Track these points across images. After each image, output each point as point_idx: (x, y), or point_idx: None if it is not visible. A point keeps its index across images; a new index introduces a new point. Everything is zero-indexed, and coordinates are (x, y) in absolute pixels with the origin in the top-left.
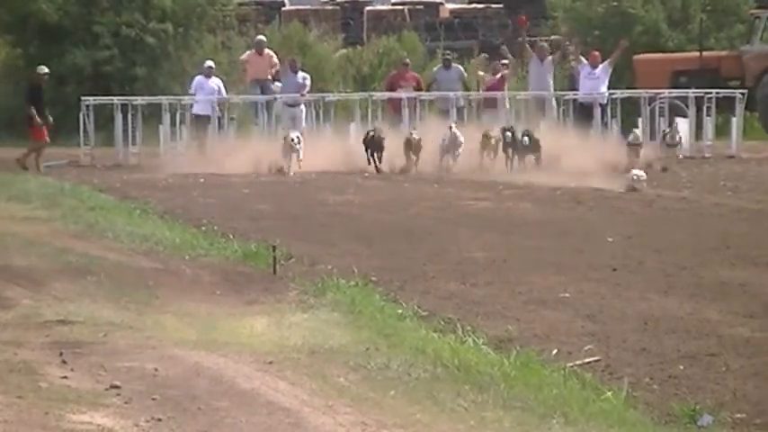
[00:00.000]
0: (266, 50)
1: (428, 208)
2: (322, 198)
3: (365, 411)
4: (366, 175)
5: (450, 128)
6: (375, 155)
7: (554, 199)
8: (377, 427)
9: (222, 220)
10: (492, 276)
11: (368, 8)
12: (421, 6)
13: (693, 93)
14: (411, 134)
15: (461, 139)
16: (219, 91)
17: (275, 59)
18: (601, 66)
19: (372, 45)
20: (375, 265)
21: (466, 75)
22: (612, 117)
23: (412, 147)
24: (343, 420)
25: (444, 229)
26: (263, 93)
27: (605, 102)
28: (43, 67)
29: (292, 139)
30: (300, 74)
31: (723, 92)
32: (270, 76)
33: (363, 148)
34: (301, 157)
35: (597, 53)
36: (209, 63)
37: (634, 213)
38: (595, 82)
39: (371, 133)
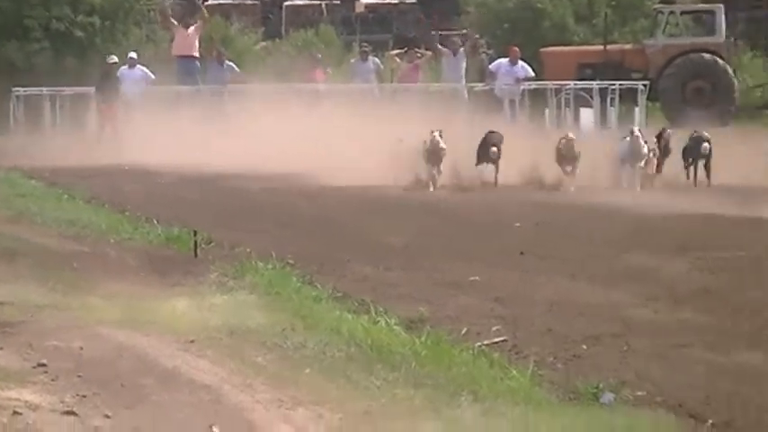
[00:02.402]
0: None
1: (348, 196)
2: (244, 186)
3: (282, 389)
4: None
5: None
6: None
7: (467, 186)
8: (293, 403)
9: (146, 205)
10: (406, 261)
11: (286, 3)
12: (337, 1)
13: (598, 84)
14: None
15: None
16: (146, 76)
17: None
18: (522, 63)
19: (291, 38)
20: (293, 250)
21: (382, 67)
22: (521, 108)
23: None
24: (261, 398)
25: (361, 216)
26: (188, 72)
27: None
28: None
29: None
30: (227, 63)
31: (626, 83)
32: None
33: None
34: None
35: (516, 48)
36: (132, 54)
37: (542, 200)
38: (513, 77)
39: None
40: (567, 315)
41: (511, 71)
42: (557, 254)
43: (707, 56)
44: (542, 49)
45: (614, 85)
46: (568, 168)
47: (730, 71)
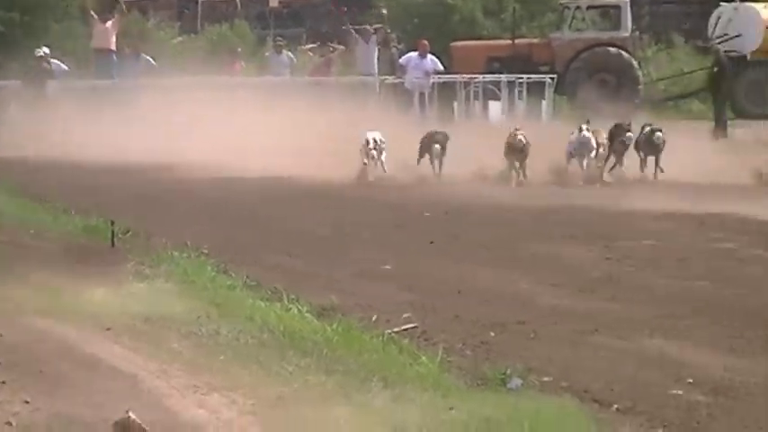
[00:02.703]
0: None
1: (264, 186)
2: (161, 177)
3: (197, 375)
4: None
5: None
6: None
7: (380, 176)
8: (207, 389)
9: (64, 196)
10: (318, 249)
11: None
12: None
13: (506, 77)
14: None
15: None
16: (59, 68)
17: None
18: (430, 56)
19: (207, 33)
20: (208, 239)
21: (295, 60)
22: (430, 101)
23: None
24: (176, 383)
25: (277, 205)
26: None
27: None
28: None
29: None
30: (144, 56)
31: (534, 77)
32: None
33: None
34: None
35: (426, 42)
36: (45, 50)
37: (451, 189)
38: (422, 70)
39: None
40: (475, 302)
41: (420, 65)
42: (466, 243)
43: (612, 50)
44: (452, 43)
45: (522, 78)
46: (517, 163)
47: (635, 64)
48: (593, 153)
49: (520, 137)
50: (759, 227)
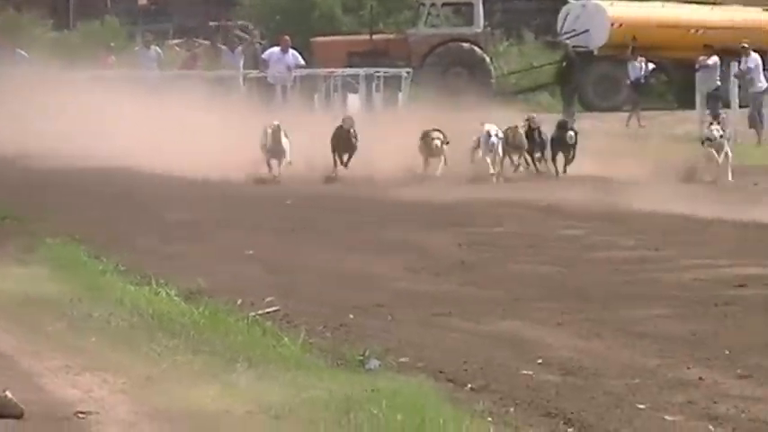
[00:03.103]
0: None
1: (140, 176)
2: (41, 166)
3: (70, 356)
4: None
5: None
6: None
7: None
8: (80, 369)
9: None
10: (186, 235)
11: None
12: None
13: (364, 71)
14: None
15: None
16: None
17: None
18: (291, 51)
19: (79, 29)
20: (83, 227)
21: (162, 55)
22: (292, 93)
23: None
24: (50, 364)
25: (148, 194)
26: None
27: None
28: None
29: None
30: (18, 51)
31: (391, 71)
32: None
33: None
34: None
35: (287, 38)
36: None
37: (309, 180)
38: (284, 65)
39: None
40: (335, 285)
41: (282, 59)
42: (326, 229)
43: (466, 45)
44: (313, 39)
45: (379, 72)
46: (434, 160)
47: (487, 59)
48: (498, 149)
49: (436, 141)
50: (603, 214)
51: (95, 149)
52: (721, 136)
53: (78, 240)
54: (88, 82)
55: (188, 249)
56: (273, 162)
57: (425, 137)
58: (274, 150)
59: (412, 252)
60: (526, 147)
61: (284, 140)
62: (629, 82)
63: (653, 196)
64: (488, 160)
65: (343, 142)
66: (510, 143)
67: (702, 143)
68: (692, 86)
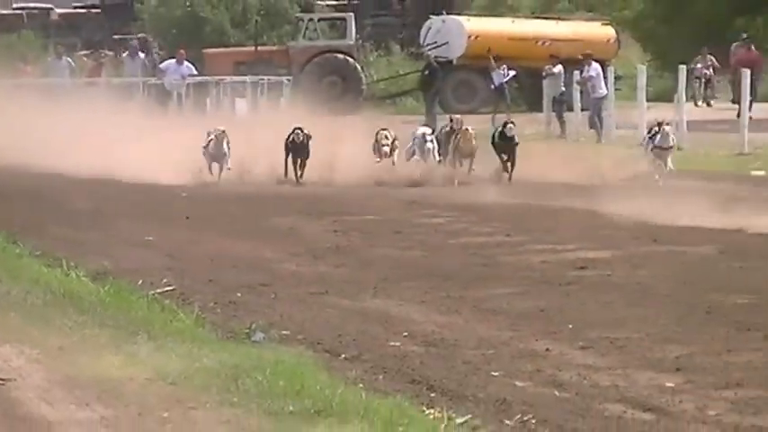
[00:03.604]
0: None
1: (52, 173)
2: None
3: None
4: None
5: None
6: None
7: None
8: (0, 342)
9: None
10: (94, 224)
11: None
12: (36, 11)
13: (251, 78)
14: None
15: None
16: None
17: None
18: (187, 63)
19: None
20: (2, 216)
21: (74, 65)
22: (186, 99)
23: None
24: None
25: (61, 190)
26: None
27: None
28: None
29: None
30: None
31: (274, 78)
32: None
33: None
34: None
35: (183, 51)
36: None
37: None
38: (179, 74)
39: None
40: (225, 267)
41: (178, 69)
42: (217, 218)
43: (340, 56)
44: (205, 50)
45: (264, 79)
46: (379, 159)
47: (359, 68)
48: (435, 151)
49: (385, 136)
50: (465, 205)
51: (11, 150)
52: (671, 146)
53: None
54: (7, 89)
55: (95, 236)
56: (215, 166)
57: (378, 137)
58: (216, 155)
59: (294, 238)
60: (476, 150)
61: (226, 146)
62: (492, 87)
63: (511, 189)
64: (422, 163)
65: (298, 148)
66: (460, 148)
67: (652, 149)
68: (540, 92)
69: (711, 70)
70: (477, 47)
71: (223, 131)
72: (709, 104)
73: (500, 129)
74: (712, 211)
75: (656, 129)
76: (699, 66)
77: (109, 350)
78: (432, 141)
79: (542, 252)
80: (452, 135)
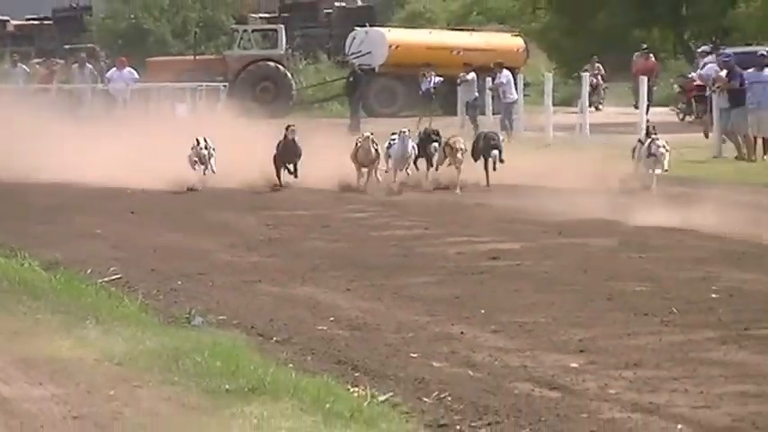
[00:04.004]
0: None
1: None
2: None
3: None
4: None
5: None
6: None
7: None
8: None
9: None
10: (48, 217)
11: None
12: None
13: (190, 85)
14: None
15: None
16: None
17: None
18: (128, 69)
19: None
20: None
21: (29, 71)
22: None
23: None
24: None
25: (17, 188)
26: None
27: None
28: None
29: None
30: None
31: (211, 84)
32: None
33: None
34: None
35: (124, 59)
36: None
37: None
38: (124, 81)
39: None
40: (167, 258)
41: (122, 76)
42: (159, 212)
43: (271, 64)
44: (148, 59)
45: (202, 86)
46: (364, 169)
47: (289, 75)
48: (410, 159)
49: (372, 147)
50: (388, 201)
51: None
52: (662, 153)
53: None
54: None
55: (48, 228)
56: (199, 169)
57: (361, 145)
58: (201, 159)
59: (230, 231)
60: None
61: (210, 151)
62: (420, 92)
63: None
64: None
65: (289, 151)
66: (450, 153)
67: (648, 156)
68: (455, 97)
69: (600, 78)
70: (398, 56)
71: (205, 138)
72: (598, 108)
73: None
74: (614, 206)
75: (647, 139)
76: (587, 73)
77: (60, 334)
78: (413, 147)
79: (458, 244)
80: (433, 143)
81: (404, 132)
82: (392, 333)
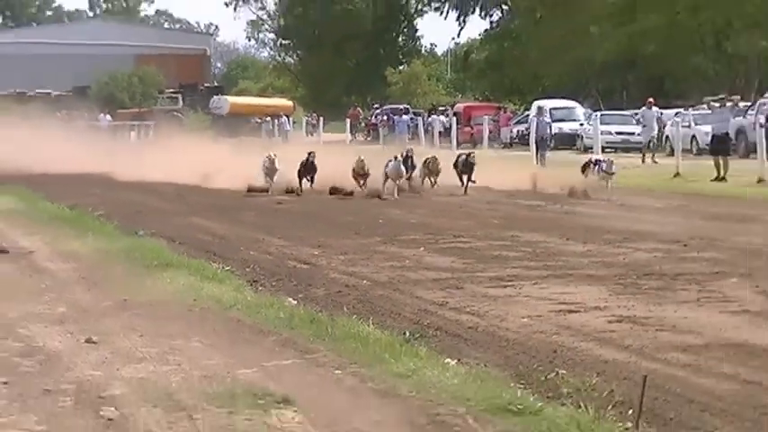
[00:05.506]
0: None
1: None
2: None
3: (25, 230)
4: None
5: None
6: None
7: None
8: (27, 234)
9: None
10: (68, 188)
11: None
12: None
13: (136, 123)
14: None
15: None
16: None
17: None
18: (108, 115)
19: None
20: None
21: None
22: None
23: None
24: (16, 232)
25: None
26: None
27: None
28: None
29: None
30: None
31: (147, 123)
32: None
33: None
34: None
35: (105, 112)
36: None
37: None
38: (106, 122)
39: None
40: (127, 205)
41: (104, 119)
42: (134, 185)
43: (176, 113)
44: (118, 110)
45: (142, 124)
46: (361, 181)
47: (183, 118)
48: (403, 177)
49: (366, 166)
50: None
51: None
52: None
53: None
54: None
55: (69, 191)
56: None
57: (358, 164)
58: (270, 171)
59: (162, 193)
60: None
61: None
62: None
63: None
64: (403, 183)
65: (310, 168)
66: (431, 168)
67: (599, 172)
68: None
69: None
70: (235, 109)
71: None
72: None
73: (463, 157)
74: None
75: (597, 159)
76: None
77: (75, 239)
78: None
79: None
80: (407, 160)
81: (396, 157)
82: (235, 240)
